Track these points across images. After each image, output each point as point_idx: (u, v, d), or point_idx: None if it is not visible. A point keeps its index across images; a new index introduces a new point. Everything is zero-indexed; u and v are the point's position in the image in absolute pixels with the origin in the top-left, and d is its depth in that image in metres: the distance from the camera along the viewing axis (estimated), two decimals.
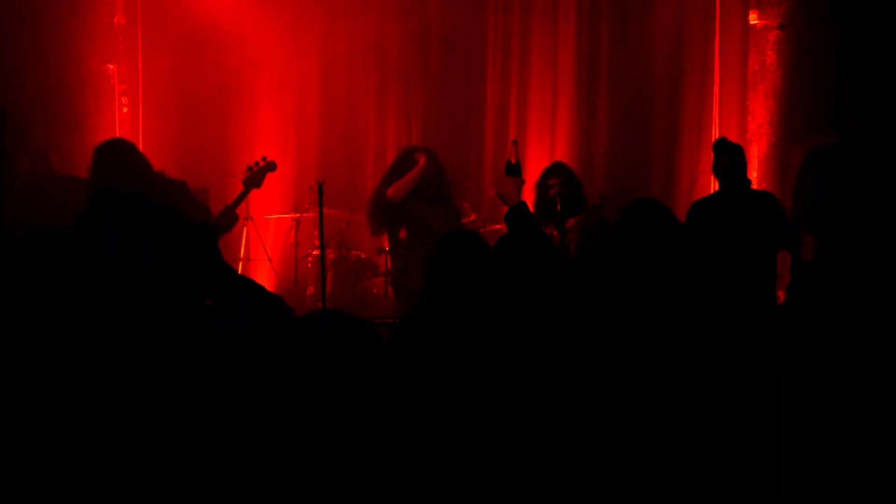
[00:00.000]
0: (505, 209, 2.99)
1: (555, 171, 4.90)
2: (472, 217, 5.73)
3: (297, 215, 6.22)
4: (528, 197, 5.04)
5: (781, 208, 4.46)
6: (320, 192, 4.72)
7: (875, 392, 3.11)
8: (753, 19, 6.42)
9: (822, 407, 3.04)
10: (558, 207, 4.74)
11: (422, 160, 5.06)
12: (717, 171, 4.56)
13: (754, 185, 4.70)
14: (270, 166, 4.68)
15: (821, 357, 3.46)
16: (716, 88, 6.60)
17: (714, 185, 6.57)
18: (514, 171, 3.09)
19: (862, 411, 2.95)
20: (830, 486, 2.56)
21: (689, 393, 2.15)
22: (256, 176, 4.63)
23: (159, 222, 2.03)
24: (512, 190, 3.01)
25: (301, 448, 1.56)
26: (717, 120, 6.59)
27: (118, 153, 4.31)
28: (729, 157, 4.55)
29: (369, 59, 7.11)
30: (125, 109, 6.79)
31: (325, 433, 1.57)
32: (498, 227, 6.80)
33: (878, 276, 4.08)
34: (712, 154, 4.59)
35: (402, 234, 5.03)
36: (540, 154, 6.99)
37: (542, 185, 4.86)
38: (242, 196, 4.64)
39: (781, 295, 4.99)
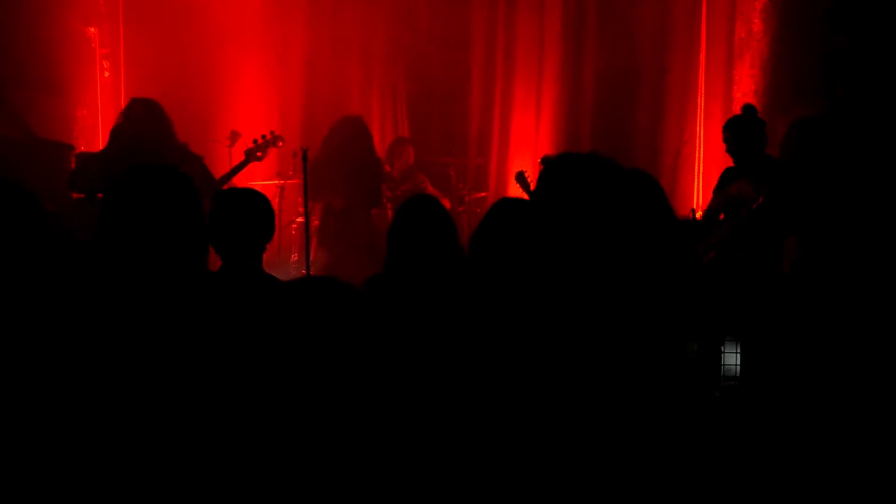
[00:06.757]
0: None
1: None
2: None
3: (282, 182, 6.18)
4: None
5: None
6: (304, 158, 4.70)
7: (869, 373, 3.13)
8: None
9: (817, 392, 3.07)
10: None
11: None
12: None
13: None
14: (276, 140, 4.71)
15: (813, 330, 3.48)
16: (702, 56, 6.57)
17: (699, 156, 6.61)
18: None
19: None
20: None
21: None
22: (261, 148, 4.67)
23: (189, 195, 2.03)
24: None
25: (290, 417, 1.56)
26: (702, 88, 6.58)
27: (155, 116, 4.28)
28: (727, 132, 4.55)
29: (355, 25, 7.04)
30: (107, 74, 6.70)
31: (317, 400, 1.57)
32: (483, 194, 6.79)
33: (864, 246, 4.12)
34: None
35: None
36: (525, 122, 6.97)
37: None
38: (241, 166, 4.65)
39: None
